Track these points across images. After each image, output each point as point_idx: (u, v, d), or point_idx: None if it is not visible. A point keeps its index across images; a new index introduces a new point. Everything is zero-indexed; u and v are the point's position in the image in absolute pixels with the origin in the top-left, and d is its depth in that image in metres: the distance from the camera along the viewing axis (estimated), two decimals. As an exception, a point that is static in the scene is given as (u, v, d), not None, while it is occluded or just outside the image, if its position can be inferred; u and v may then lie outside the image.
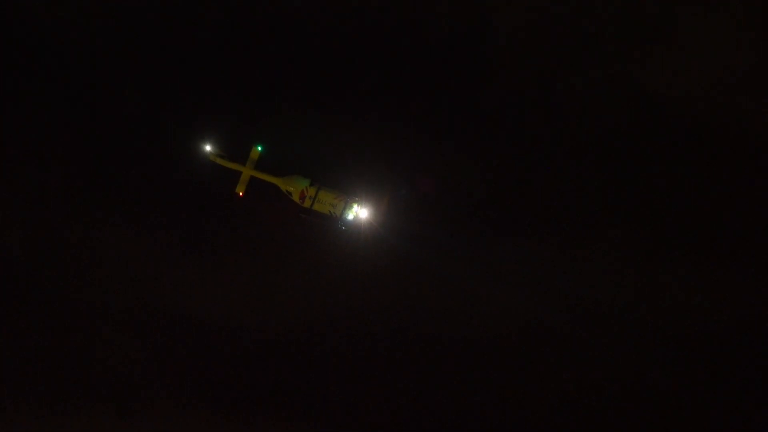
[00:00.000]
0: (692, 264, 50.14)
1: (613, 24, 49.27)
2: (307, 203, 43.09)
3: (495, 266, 50.60)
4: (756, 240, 50.05)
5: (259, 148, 43.02)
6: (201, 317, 49.64)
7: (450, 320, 50.34)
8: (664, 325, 50.32)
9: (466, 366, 50.93)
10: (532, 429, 50.49)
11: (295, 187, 43.13)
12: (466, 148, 49.75)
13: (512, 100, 49.72)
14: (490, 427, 50.84)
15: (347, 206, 43.34)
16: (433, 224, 47.87)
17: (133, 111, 47.79)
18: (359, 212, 43.49)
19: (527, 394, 50.74)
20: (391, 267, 46.49)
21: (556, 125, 49.70)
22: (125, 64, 48.13)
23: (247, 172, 43.03)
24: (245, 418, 50.68)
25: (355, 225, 43.58)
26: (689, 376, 50.02)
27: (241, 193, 43.32)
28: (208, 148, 43.15)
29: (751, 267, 50.00)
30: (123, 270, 49.79)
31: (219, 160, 42.91)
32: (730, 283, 49.89)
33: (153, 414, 49.37)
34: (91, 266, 50.07)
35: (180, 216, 49.10)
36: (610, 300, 50.74)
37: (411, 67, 48.66)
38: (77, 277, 50.44)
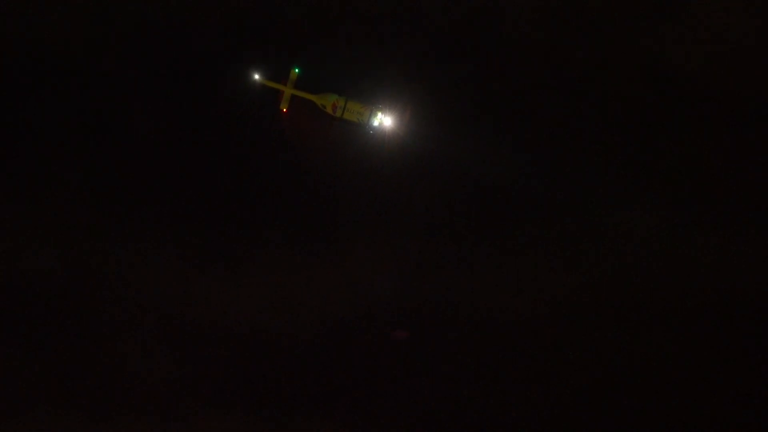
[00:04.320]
0: (715, 237, 51.50)
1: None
2: (338, 113, 51.78)
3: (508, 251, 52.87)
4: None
5: (297, 70, 51.87)
6: (232, 321, 52.24)
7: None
8: (691, 301, 51.45)
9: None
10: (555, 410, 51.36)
11: (327, 101, 51.88)
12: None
13: (523, 77, 53.30)
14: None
15: (372, 114, 51.89)
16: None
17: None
18: (383, 119, 52.12)
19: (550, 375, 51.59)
20: (413, 167, 53.12)
21: (569, 101, 53.07)
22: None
23: (288, 91, 51.84)
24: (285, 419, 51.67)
25: (380, 130, 52.14)
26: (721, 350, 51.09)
27: (284, 110, 52.40)
28: (256, 76, 52.42)
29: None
30: (152, 273, 52.63)
31: (267, 83, 52.09)
32: (754, 252, 51.29)
33: (191, 423, 51.34)
34: (119, 273, 52.77)
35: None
36: (633, 277, 51.91)
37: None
38: (106, 287, 52.51)
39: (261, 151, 53.99)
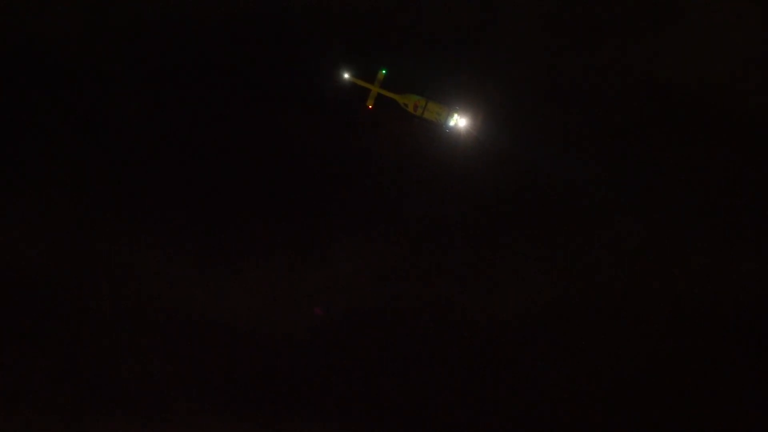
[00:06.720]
0: (709, 251, 52.37)
1: (620, 11, 54.46)
2: (418, 112, 56.51)
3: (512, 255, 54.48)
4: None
5: (384, 71, 56.50)
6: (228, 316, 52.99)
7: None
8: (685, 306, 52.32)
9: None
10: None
11: (409, 101, 56.62)
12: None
13: (519, 91, 55.31)
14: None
15: (449, 115, 56.91)
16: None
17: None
18: (459, 120, 56.96)
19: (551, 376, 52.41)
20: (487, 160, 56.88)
21: (563, 116, 55.03)
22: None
23: (374, 89, 56.32)
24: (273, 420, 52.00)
25: (456, 129, 56.96)
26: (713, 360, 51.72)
27: (370, 106, 57.24)
28: (346, 75, 57.44)
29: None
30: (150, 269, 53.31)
31: (356, 80, 56.98)
32: (747, 267, 52.12)
33: (178, 420, 51.84)
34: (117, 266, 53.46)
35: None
36: (629, 285, 53.01)
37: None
38: (101, 282, 53.04)
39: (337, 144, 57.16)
